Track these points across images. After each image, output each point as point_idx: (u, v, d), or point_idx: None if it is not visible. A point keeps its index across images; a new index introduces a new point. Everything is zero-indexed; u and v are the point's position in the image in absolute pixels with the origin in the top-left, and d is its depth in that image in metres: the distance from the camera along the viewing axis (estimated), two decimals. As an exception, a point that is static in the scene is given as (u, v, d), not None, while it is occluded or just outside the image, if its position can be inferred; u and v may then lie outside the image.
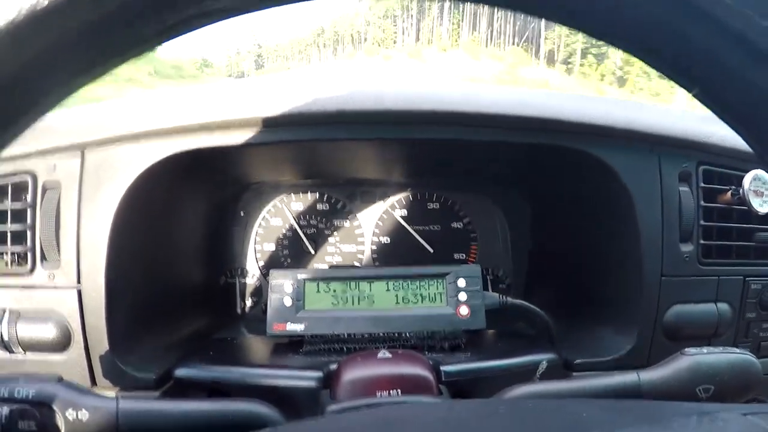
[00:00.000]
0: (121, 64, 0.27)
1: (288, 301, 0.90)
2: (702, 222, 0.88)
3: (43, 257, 0.80)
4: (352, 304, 0.92)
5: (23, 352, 0.79)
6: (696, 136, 0.87)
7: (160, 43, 0.27)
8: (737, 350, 0.70)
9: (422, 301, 0.92)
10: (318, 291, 0.92)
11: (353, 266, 1.19)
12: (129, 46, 0.26)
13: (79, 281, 0.78)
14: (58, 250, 0.78)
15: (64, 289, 0.78)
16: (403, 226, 1.19)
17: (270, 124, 0.79)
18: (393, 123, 0.82)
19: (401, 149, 0.96)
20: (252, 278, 1.17)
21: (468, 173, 1.15)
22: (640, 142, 0.85)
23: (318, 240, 1.18)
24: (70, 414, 0.61)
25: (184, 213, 1.00)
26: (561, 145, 0.85)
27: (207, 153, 0.82)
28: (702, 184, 0.88)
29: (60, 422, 0.61)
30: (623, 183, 0.84)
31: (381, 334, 0.90)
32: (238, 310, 1.15)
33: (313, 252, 1.17)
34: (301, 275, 0.92)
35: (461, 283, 0.92)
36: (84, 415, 0.62)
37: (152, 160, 0.78)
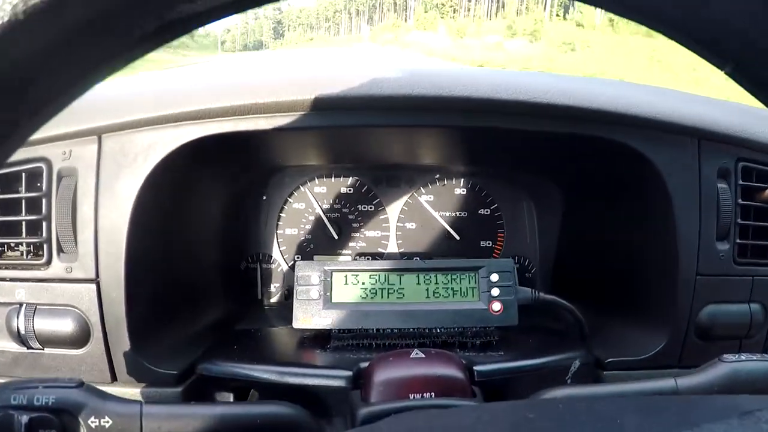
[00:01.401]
0: (124, 65, 0.27)
1: (315, 294, 0.86)
2: (739, 220, 0.84)
3: (60, 249, 0.76)
4: (381, 297, 0.88)
5: (41, 347, 0.76)
6: (736, 131, 0.84)
7: (164, 42, 0.27)
8: None
9: (453, 296, 0.88)
10: (346, 283, 0.88)
11: (379, 253, 1.15)
12: (127, 47, 0.25)
13: (97, 274, 0.74)
14: (75, 242, 0.75)
15: (82, 282, 0.75)
16: (430, 212, 1.15)
17: (301, 108, 0.74)
18: (449, 110, 0.78)
19: (436, 135, 0.91)
20: (274, 264, 1.13)
21: (500, 160, 1.10)
22: (681, 135, 0.81)
23: (342, 225, 1.14)
24: (93, 422, 0.58)
25: (205, 198, 0.96)
26: (599, 136, 0.81)
27: (229, 138, 0.78)
28: (741, 182, 0.85)
29: (82, 430, 0.58)
30: (662, 176, 0.80)
31: (411, 330, 0.87)
32: (260, 297, 1.12)
33: (336, 237, 1.13)
34: (329, 266, 0.88)
35: (494, 277, 0.88)
36: (107, 422, 0.59)
37: (173, 146, 0.74)
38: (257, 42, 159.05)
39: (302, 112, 0.75)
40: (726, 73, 0.29)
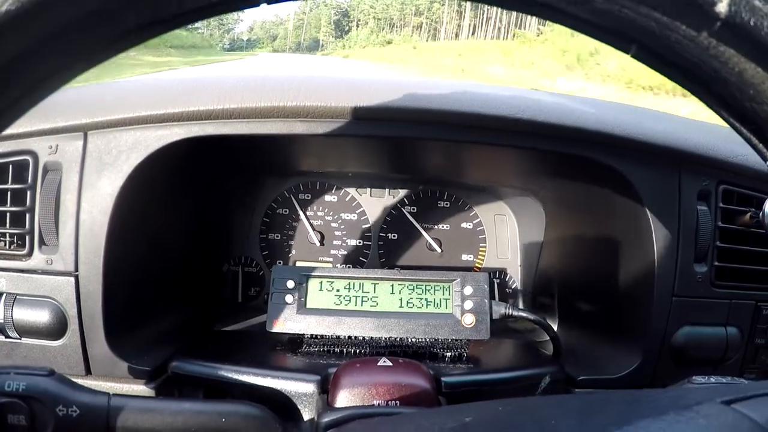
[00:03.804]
0: (120, 52, 0.28)
1: (289, 298, 0.88)
2: (718, 243, 0.85)
3: (42, 241, 0.77)
4: (355, 304, 0.89)
5: (19, 337, 0.78)
6: (718, 153, 0.84)
7: (169, 29, 0.27)
8: (744, 381, 0.68)
9: (427, 306, 0.90)
10: (321, 289, 0.89)
11: (360, 263, 1.16)
12: (130, 34, 0.27)
13: (76, 268, 0.76)
14: (57, 235, 0.76)
15: (62, 275, 0.76)
16: (412, 223, 1.17)
17: (282, 115, 0.76)
18: (429, 123, 0.79)
19: (419, 147, 0.93)
20: (255, 268, 1.15)
21: (483, 175, 1.11)
22: (661, 157, 0.82)
23: (324, 233, 1.16)
24: (61, 410, 0.60)
25: (187, 199, 0.97)
26: (580, 155, 0.81)
27: (213, 141, 0.79)
28: (721, 204, 0.85)
29: (50, 417, 0.60)
30: (641, 197, 0.81)
31: (382, 339, 0.88)
32: (240, 300, 1.13)
33: (318, 244, 1.15)
34: (305, 272, 0.90)
35: (468, 290, 0.90)
36: (74, 411, 0.60)
37: (156, 145, 0.76)
38: (314, 40, 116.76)
39: (284, 119, 0.77)
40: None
